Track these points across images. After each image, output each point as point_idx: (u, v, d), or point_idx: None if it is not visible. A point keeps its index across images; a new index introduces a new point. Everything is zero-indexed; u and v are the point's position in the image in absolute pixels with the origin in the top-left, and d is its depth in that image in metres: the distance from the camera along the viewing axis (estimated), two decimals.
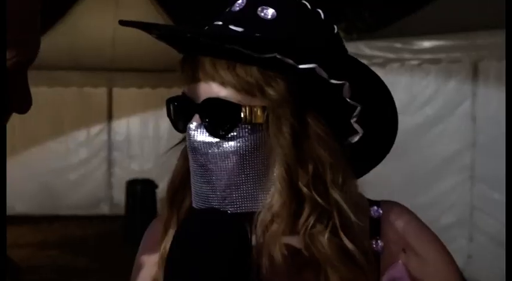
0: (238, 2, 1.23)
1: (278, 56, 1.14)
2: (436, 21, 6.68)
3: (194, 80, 1.20)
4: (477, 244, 6.29)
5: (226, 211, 1.18)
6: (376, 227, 1.29)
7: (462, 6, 6.49)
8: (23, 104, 0.96)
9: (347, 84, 1.19)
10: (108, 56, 10.32)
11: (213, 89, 1.17)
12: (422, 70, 6.61)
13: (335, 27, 1.27)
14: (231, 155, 1.18)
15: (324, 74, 1.16)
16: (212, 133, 1.18)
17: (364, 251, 1.21)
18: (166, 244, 1.25)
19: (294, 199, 1.18)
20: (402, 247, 1.28)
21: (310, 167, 1.18)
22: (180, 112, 1.24)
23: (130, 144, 11.46)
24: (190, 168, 1.23)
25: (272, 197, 1.19)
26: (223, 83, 1.16)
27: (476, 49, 6.25)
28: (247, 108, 1.17)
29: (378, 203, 1.32)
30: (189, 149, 1.22)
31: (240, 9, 1.22)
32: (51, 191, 10.74)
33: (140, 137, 11.47)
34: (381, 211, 1.30)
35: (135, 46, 9.76)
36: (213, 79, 1.17)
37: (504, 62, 6.26)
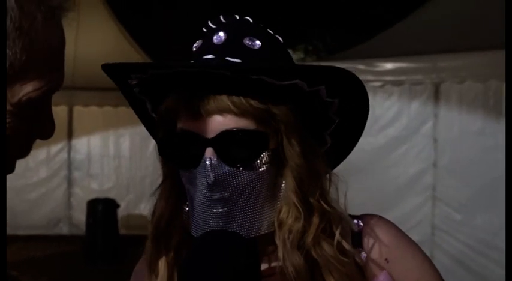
0: (219, 34, 1.25)
1: (299, 82, 1.19)
2: (398, 44, 6.76)
3: (203, 114, 1.20)
4: (438, 263, 6.32)
5: (240, 235, 1.21)
6: (358, 239, 1.32)
7: (423, 29, 6.58)
8: (47, 130, 1.00)
9: (336, 101, 1.26)
10: (68, 74, 10.17)
11: (229, 121, 1.19)
12: (385, 92, 6.67)
13: (289, 51, 1.35)
14: (250, 183, 1.21)
15: (324, 94, 1.23)
16: (233, 164, 1.20)
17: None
18: None
19: (306, 211, 1.24)
20: (385, 257, 1.32)
21: (316, 180, 1.25)
22: (185, 149, 1.23)
23: (90, 163, 11.33)
24: (199, 202, 1.23)
25: (283, 213, 1.24)
26: (240, 113, 1.19)
27: (437, 71, 6.34)
28: (266, 135, 1.21)
29: (358, 216, 1.36)
30: (202, 184, 1.21)
31: (225, 41, 1.25)
32: (10, 210, 10.45)
33: (100, 156, 11.34)
34: (362, 224, 1.34)
35: (96, 64, 9.67)
36: (229, 111, 1.19)
37: (465, 84, 6.37)
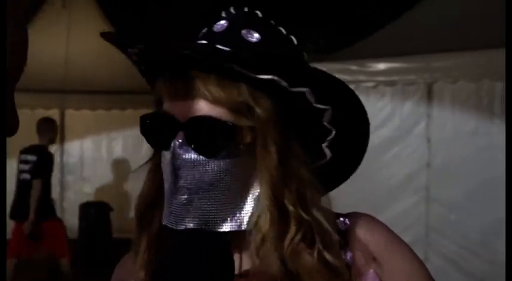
0: (221, 23, 1.24)
1: (275, 78, 1.14)
2: (390, 44, 6.76)
3: (179, 97, 1.18)
4: (432, 264, 6.33)
5: (209, 231, 1.18)
6: (344, 238, 1.28)
7: (416, 29, 6.59)
8: (11, 125, 0.89)
9: (330, 109, 1.21)
10: (60, 77, 10.18)
11: (202, 107, 1.16)
12: (377, 92, 6.66)
13: (305, 54, 1.29)
14: (216, 174, 1.17)
15: (312, 98, 1.18)
16: (200, 152, 1.17)
17: (345, 264, 1.24)
18: (140, 270, 1.27)
19: (282, 218, 1.19)
20: (372, 256, 1.28)
21: (294, 186, 1.19)
22: (160, 130, 1.21)
23: (83, 166, 11.29)
24: (167, 187, 1.20)
25: (259, 218, 1.20)
26: (214, 101, 1.15)
27: (430, 71, 6.35)
28: (238, 129, 1.17)
29: (344, 215, 1.31)
30: (169, 168, 1.18)
31: (224, 30, 1.22)
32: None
33: (93, 160, 11.31)
34: (348, 222, 1.30)
35: (88, 67, 9.65)
36: (203, 97, 1.16)
37: (458, 83, 6.38)
